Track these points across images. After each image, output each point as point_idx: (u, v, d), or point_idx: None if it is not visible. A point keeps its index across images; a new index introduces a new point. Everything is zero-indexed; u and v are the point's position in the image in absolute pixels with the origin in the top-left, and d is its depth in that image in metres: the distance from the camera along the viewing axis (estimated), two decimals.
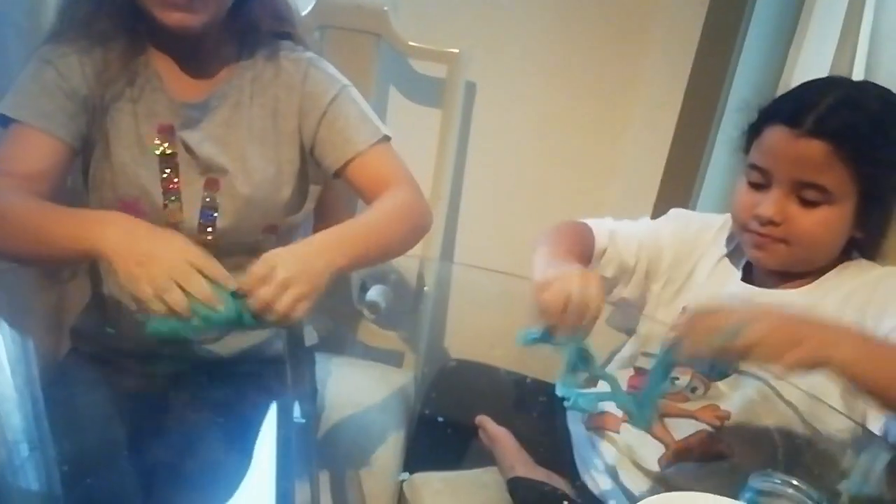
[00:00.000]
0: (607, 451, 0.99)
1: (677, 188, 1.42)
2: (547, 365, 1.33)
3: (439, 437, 1.23)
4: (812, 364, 0.70)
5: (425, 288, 1.50)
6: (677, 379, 0.96)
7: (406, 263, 1.48)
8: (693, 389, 0.96)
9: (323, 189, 1.13)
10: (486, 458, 1.17)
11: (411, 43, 1.36)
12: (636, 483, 0.94)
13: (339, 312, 1.48)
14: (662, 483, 0.92)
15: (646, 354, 1.05)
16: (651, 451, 0.94)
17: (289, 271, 0.78)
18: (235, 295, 0.79)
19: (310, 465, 1.03)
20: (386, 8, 1.34)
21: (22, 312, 1.14)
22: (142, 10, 0.91)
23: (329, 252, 0.84)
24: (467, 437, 1.22)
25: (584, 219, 1.11)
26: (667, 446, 0.92)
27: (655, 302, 1.07)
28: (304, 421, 1.05)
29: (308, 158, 1.05)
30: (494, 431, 1.12)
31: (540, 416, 1.16)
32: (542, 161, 1.53)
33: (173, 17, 0.89)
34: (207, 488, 0.93)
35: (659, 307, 1.06)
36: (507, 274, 1.34)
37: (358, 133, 1.01)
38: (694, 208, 1.37)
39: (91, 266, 1.07)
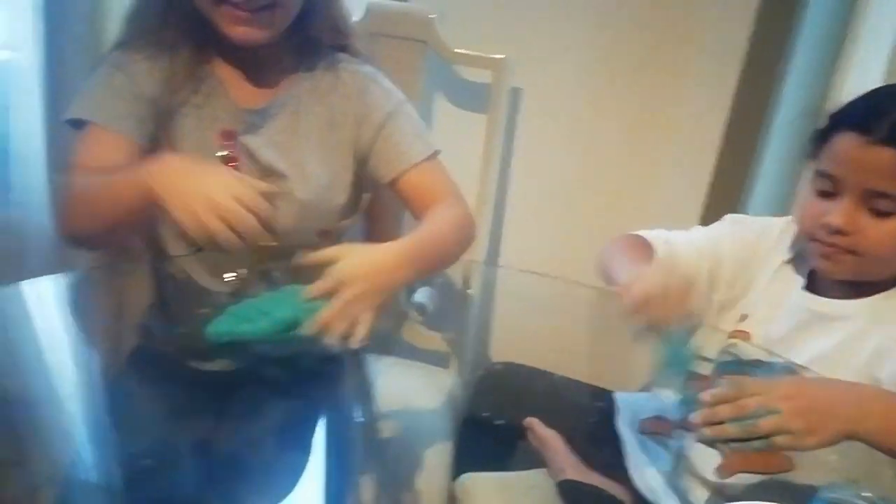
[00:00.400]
0: (661, 456, 0.99)
1: (727, 193, 1.41)
2: (593, 367, 1.34)
3: (486, 438, 1.25)
4: (838, 442, 0.71)
5: (469, 291, 1.51)
6: None
7: (452, 266, 1.49)
8: None
9: (372, 196, 1.16)
10: (533, 460, 1.17)
11: (457, 50, 1.38)
12: (692, 491, 0.94)
13: (386, 313, 1.50)
14: (720, 492, 0.92)
15: (702, 359, 1.05)
16: (707, 460, 0.93)
17: (355, 291, 0.80)
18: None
19: (367, 464, 1.05)
20: (432, 16, 1.36)
21: (85, 311, 1.18)
22: (207, 21, 0.94)
23: (397, 269, 0.86)
24: (514, 439, 1.23)
25: (636, 231, 1.10)
26: (725, 455, 0.92)
27: (716, 308, 1.06)
28: (363, 420, 1.07)
29: (363, 170, 1.08)
30: (544, 434, 1.13)
31: (589, 420, 1.16)
32: (587, 165, 1.53)
33: (238, 32, 0.93)
34: (267, 486, 0.95)
35: (719, 313, 1.05)
36: (552, 277, 1.36)
37: (411, 148, 1.04)
38: (745, 213, 1.36)
39: (153, 262, 1.10)
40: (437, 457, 1.18)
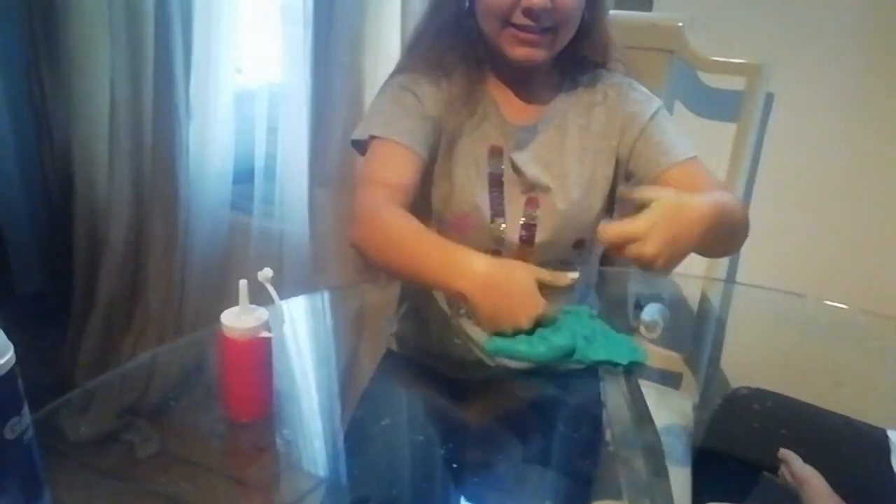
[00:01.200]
0: None
1: None
2: (855, 400, 1.20)
3: (727, 469, 1.17)
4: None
5: (706, 308, 1.44)
6: None
7: (684, 282, 1.43)
8: None
9: None
10: (780, 499, 1.08)
11: (713, 58, 1.33)
12: None
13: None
14: None
15: None
16: None
17: (673, 231, 0.79)
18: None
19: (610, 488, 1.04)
20: (681, 24, 1.32)
21: (331, 321, 1.29)
22: (487, 43, 1.00)
23: (700, 224, 0.84)
24: (758, 473, 1.14)
25: None
26: None
27: None
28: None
29: (619, 177, 1.08)
30: (801, 470, 1.03)
31: (856, 458, 1.05)
32: (844, 177, 1.39)
33: (521, 52, 0.97)
34: (512, 493, 0.97)
35: None
36: (797, 295, 1.24)
37: (675, 146, 1.03)
38: None
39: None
40: (676, 483, 1.12)
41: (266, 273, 0.85)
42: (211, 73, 1.74)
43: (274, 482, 1.02)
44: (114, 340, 2.07)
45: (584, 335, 0.84)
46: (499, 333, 0.85)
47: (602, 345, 0.86)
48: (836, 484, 1.01)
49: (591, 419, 0.98)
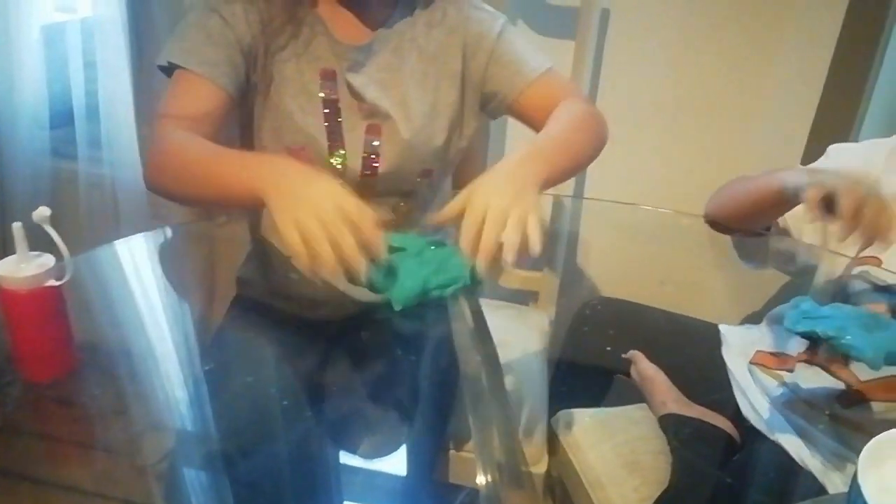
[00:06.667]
0: (773, 388, 0.95)
1: (833, 128, 1.30)
2: (693, 301, 1.29)
3: (582, 376, 1.23)
4: None
5: (556, 226, 1.48)
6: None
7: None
8: None
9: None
10: (629, 397, 1.15)
11: None
12: (807, 419, 0.91)
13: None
14: (837, 422, 0.88)
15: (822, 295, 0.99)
16: (824, 390, 0.89)
17: (503, 199, 0.75)
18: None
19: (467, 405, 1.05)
20: None
21: (177, 264, 1.20)
22: None
23: (529, 164, 0.82)
24: (610, 376, 1.21)
25: (745, 174, 1.06)
26: (849, 386, 0.87)
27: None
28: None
29: (468, 99, 1.05)
30: (646, 368, 1.10)
31: (693, 353, 1.13)
32: (681, 94, 1.45)
33: None
34: (372, 430, 0.96)
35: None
36: (645, 207, 1.30)
37: (527, 63, 1.01)
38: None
39: (249, 213, 1.10)
40: (534, 394, 1.17)
41: (42, 212, 0.74)
42: (10, 6, 1.53)
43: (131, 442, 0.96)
44: None
45: (425, 266, 0.81)
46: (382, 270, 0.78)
47: (440, 270, 0.83)
48: (677, 378, 1.09)
49: (445, 348, 0.98)
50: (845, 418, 0.87)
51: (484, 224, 0.73)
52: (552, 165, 0.85)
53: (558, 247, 1.53)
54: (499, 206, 0.74)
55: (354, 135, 1.00)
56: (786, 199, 0.91)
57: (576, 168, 0.96)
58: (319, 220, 0.70)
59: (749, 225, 1.08)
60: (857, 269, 0.95)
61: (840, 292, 0.94)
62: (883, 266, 0.92)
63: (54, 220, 0.75)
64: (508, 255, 0.72)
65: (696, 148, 1.48)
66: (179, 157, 0.86)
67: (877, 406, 0.85)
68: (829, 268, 1.00)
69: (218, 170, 0.82)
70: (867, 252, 0.92)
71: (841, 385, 0.87)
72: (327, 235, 0.70)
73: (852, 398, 0.86)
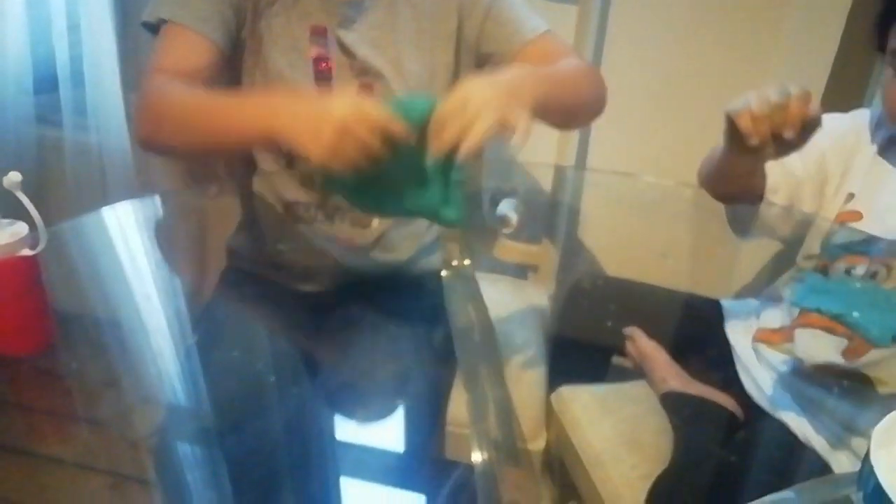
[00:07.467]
0: (779, 362, 0.93)
1: (843, 94, 1.26)
2: (694, 275, 1.26)
3: (579, 353, 1.21)
4: None
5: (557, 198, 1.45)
6: (853, 269, 0.89)
7: (538, 172, 1.42)
8: (873, 275, 0.88)
9: None
10: (628, 374, 1.13)
11: None
12: (815, 395, 0.89)
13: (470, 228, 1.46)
14: (844, 399, 0.86)
15: (808, 257, 0.98)
16: (827, 348, 0.86)
17: (485, 97, 0.72)
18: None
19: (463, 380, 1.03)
20: None
21: (168, 235, 1.17)
22: None
23: (526, 79, 0.80)
24: (608, 353, 1.19)
25: None
26: (850, 338, 0.85)
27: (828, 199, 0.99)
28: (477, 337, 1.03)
29: (463, 60, 1.01)
30: (645, 344, 1.08)
31: (693, 329, 1.11)
32: (682, 62, 1.40)
33: None
34: (365, 402, 0.94)
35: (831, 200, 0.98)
36: (642, 177, 1.26)
37: (524, 24, 0.98)
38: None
39: (240, 183, 1.07)
40: (532, 370, 1.14)
41: (12, 178, 0.71)
42: None
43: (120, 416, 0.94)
44: None
45: (417, 180, 0.78)
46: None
47: (432, 193, 0.80)
48: (677, 355, 1.06)
49: (440, 321, 0.95)
50: (852, 393, 0.85)
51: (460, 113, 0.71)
52: (549, 88, 0.82)
53: (559, 218, 1.50)
54: (482, 97, 0.72)
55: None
56: (735, 139, 0.85)
57: (570, 108, 0.93)
58: (346, 133, 0.70)
59: (730, 189, 1.04)
60: (838, 226, 0.93)
61: (824, 251, 0.92)
62: (862, 220, 0.91)
63: (39, 189, 0.72)
64: (473, 139, 0.70)
65: (701, 118, 1.44)
66: (179, 107, 0.83)
67: (882, 389, 0.83)
68: (818, 231, 0.98)
69: (225, 113, 0.80)
70: (847, 207, 0.92)
71: (844, 342, 0.84)
72: (356, 145, 0.70)
73: (857, 350, 0.84)
